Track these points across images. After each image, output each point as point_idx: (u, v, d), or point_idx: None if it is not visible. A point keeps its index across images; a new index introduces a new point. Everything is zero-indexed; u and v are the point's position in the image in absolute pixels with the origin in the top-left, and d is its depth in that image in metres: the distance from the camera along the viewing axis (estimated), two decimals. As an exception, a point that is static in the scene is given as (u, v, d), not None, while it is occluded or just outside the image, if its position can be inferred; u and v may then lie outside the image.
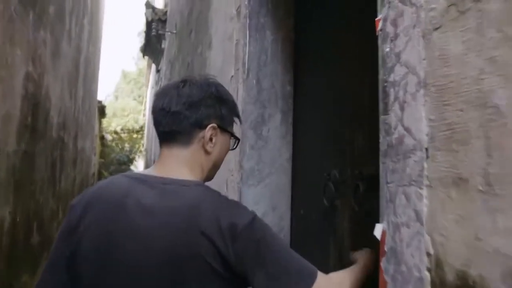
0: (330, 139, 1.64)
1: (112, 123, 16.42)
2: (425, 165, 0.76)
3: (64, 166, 4.91)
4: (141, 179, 0.86)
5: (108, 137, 14.57)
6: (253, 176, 2.00)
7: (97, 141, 12.01)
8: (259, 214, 2.03)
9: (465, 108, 0.67)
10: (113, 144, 14.48)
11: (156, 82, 9.54)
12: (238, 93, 2.11)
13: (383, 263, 0.87)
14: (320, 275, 0.84)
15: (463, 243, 0.66)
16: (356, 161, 1.42)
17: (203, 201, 0.82)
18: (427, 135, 0.76)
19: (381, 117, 0.89)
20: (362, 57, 1.41)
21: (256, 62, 2.02)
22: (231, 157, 2.21)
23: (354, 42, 1.49)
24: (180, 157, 0.89)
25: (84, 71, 6.53)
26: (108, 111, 13.74)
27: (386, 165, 0.87)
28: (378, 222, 1.31)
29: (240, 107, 2.06)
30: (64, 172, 4.96)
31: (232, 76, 2.29)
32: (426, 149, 0.76)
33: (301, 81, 2.01)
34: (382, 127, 0.89)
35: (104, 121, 13.76)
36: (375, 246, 1.28)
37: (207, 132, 0.90)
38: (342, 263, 1.48)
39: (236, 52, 2.20)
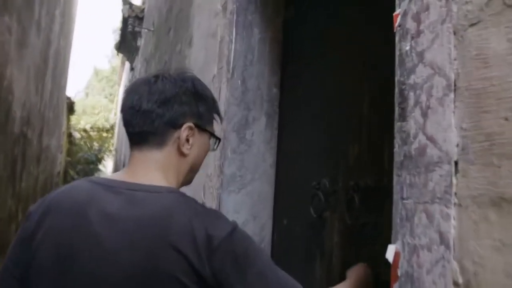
0: (319, 147, 1.54)
1: (81, 121, 15.82)
2: (454, 180, 0.66)
3: (26, 163, 4.60)
4: (106, 184, 0.78)
5: (77, 135, 14.00)
6: (234, 182, 1.87)
7: (65, 139, 11.51)
8: (239, 222, 1.90)
9: (510, 116, 0.57)
10: (82, 143, 13.92)
11: (129, 81, 9.25)
12: (221, 93, 1.98)
13: (394, 290, 0.76)
14: None
15: (505, 274, 0.56)
16: (351, 172, 1.32)
17: (175, 210, 0.74)
18: (457, 146, 0.67)
19: (397, 124, 0.79)
20: (361, 60, 1.32)
21: (242, 61, 1.90)
22: (210, 161, 2.08)
23: (351, 44, 1.39)
24: (153, 160, 0.80)
25: (53, 64, 6.20)
26: (77, 108, 13.24)
27: (402, 179, 0.77)
28: (373, 236, 1.22)
29: (222, 108, 1.93)
30: (26, 170, 4.65)
31: (214, 75, 2.16)
32: (456, 162, 0.67)
33: (288, 84, 1.91)
34: (398, 135, 0.79)
35: (73, 118, 13.22)
36: (366, 261, 1.20)
37: (183, 132, 0.81)
38: (329, 277, 1.38)
39: (220, 50, 2.07)
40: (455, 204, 0.66)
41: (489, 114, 0.61)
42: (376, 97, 1.23)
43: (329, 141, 1.46)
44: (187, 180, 0.87)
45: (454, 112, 0.67)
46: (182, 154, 0.82)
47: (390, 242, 1.15)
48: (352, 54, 1.37)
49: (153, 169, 0.80)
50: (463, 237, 0.64)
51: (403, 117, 0.78)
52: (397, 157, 0.78)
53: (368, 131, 1.26)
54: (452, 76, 0.68)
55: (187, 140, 0.82)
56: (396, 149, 0.79)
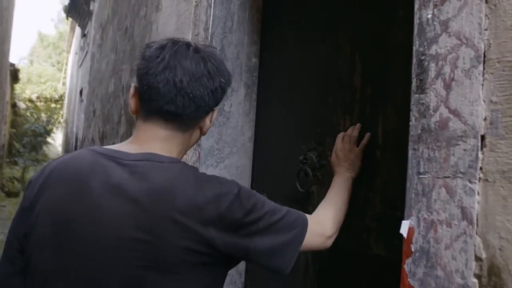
0: (303, 121, 1.50)
1: (27, 90, 14.77)
2: (480, 155, 0.65)
3: (-31, 135, 4.22)
4: (109, 155, 0.75)
5: (22, 105, 13.09)
6: (212, 156, 1.81)
7: (8, 109, 10.73)
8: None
9: (549, 90, 0.56)
10: (27, 113, 13.05)
11: (81, 48, 8.68)
12: (197, 62, 1.88)
13: (407, 265, 0.76)
14: (311, 219, 0.86)
15: (536, 249, 0.56)
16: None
17: (179, 181, 0.73)
18: (484, 119, 0.65)
19: (414, 96, 0.76)
20: (353, 30, 1.28)
21: (221, 27, 1.80)
22: (185, 134, 2.00)
23: (340, 11, 1.34)
24: (169, 137, 0.79)
25: (-5, 27, 5.66)
26: (22, 76, 12.32)
27: (418, 153, 0.75)
28: (363, 211, 1.22)
29: (200, 78, 1.84)
30: (-30, 142, 4.27)
31: (199, 42, 2.04)
32: (482, 136, 0.65)
33: (267, 54, 1.84)
34: (415, 108, 0.76)
35: (17, 87, 12.31)
36: (354, 235, 1.20)
37: (214, 115, 0.85)
38: (314, 252, 1.38)
39: (196, 15, 1.95)
40: (480, 179, 0.65)
41: (524, 87, 0.59)
42: (370, 66, 1.20)
43: (315, 115, 1.43)
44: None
45: (482, 84, 0.65)
46: (203, 133, 0.86)
47: (381, 217, 1.16)
48: (341, 17, 1.32)
49: (157, 140, 0.78)
50: (488, 212, 0.63)
51: (422, 89, 0.75)
52: (414, 131, 0.76)
53: (359, 103, 1.23)
54: (482, 47, 0.65)
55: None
56: (412, 122, 0.77)
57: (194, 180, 0.74)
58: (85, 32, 7.90)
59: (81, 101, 7.52)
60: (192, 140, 0.84)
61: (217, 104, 0.82)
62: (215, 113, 0.84)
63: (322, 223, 0.91)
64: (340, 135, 1.12)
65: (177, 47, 0.78)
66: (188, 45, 0.80)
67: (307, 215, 0.86)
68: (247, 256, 0.76)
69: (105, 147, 0.80)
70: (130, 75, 3.30)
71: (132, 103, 0.81)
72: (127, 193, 0.70)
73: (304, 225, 0.83)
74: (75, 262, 0.70)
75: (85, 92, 6.86)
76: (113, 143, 3.90)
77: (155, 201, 0.70)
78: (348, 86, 1.28)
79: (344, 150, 1.08)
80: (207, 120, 0.83)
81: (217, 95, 0.80)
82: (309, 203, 1.43)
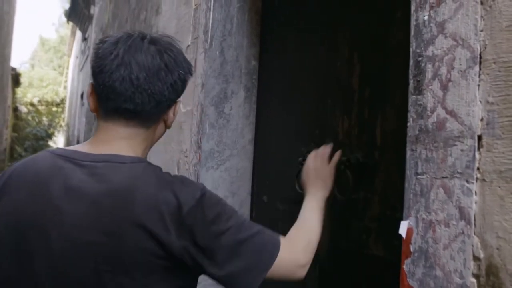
0: (303, 123, 1.51)
1: (28, 94, 14.81)
2: (477, 155, 0.65)
3: (-29, 139, 4.23)
4: (68, 156, 0.73)
5: (23, 109, 13.13)
6: (213, 158, 1.81)
7: (10, 113, 10.76)
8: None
9: (545, 90, 0.56)
10: (29, 117, 13.08)
11: (82, 52, 8.71)
12: (197, 64, 1.88)
13: (406, 266, 0.76)
14: (283, 245, 0.78)
15: (533, 248, 0.56)
16: (340, 148, 1.30)
17: (140, 182, 0.70)
18: (481, 120, 0.65)
19: (412, 97, 0.77)
20: (350, 31, 1.29)
21: (220, 30, 1.80)
22: (186, 137, 2.00)
23: (338, 13, 1.35)
24: (128, 134, 0.76)
25: (-4, 31, 5.68)
26: (23, 80, 12.36)
27: (416, 153, 0.75)
28: (362, 212, 1.22)
29: (200, 80, 1.84)
30: (-28, 146, 4.28)
31: (188, 46, 2.05)
32: (479, 137, 0.65)
33: (266, 56, 1.85)
34: (412, 109, 0.77)
35: (19, 91, 12.35)
36: (354, 236, 1.20)
37: (176, 107, 0.81)
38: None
39: (196, 18, 1.96)
40: (477, 179, 0.65)
41: (520, 87, 0.60)
42: (369, 68, 1.20)
43: (314, 117, 1.43)
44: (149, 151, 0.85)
45: (479, 85, 0.66)
46: (167, 127, 0.83)
47: (380, 218, 1.16)
48: (340, 20, 1.33)
49: (122, 140, 0.75)
50: (486, 212, 0.63)
51: (419, 90, 0.75)
52: (411, 131, 0.77)
53: (358, 105, 1.24)
54: (478, 48, 0.66)
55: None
56: (410, 123, 0.77)
57: (156, 181, 0.71)
58: (86, 36, 7.92)
59: (82, 104, 7.54)
60: (156, 135, 0.81)
61: (178, 96, 0.79)
62: (177, 106, 0.80)
63: (295, 251, 0.82)
64: (312, 154, 1.08)
65: (131, 41, 0.74)
66: (143, 37, 0.76)
67: (282, 240, 0.79)
68: (202, 270, 0.71)
69: (65, 148, 0.78)
70: (131, 78, 3.31)
71: (90, 102, 0.78)
72: (87, 195, 0.68)
73: (273, 251, 0.75)
74: (36, 266, 0.68)
75: (86, 96, 6.86)
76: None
77: (115, 203, 0.68)
78: (346, 87, 1.28)
79: (317, 168, 1.04)
80: (170, 113, 0.80)
81: (177, 88, 0.76)
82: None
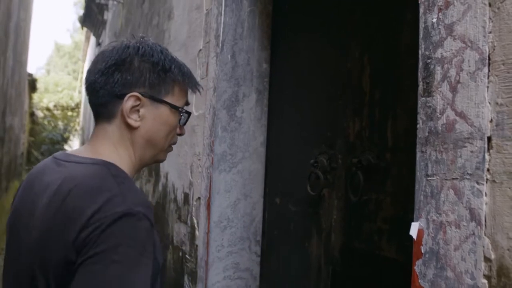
0: (313, 125, 1.52)
1: (44, 99, 15.10)
2: (487, 156, 0.65)
3: (-10, 144, 4.34)
4: (57, 157, 0.77)
5: (39, 113, 13.38)
6: (225, 161, 1.83)
7: (27, 118, 10.98)
8: (230, 202, 1.88)
9: (554, 91, 0.56)
10: (45, 122, 13.33)
11: (96, 56, 8.85)
12: (209, 68, 1.91)
13: (417, 267, 0.76)
14: None
15: (544, 249, 0.56)
16: (352, 149, 1.31)
17: (81, 182, 0.68)
18: (490, 121, 0.66)
19: (421, 99, 0.77)
20: (362, 33, 1.29)
21: (231, 34, 1.83)
22: (198, 140, 2.02)
23: (347, 15, 1.36)
24: (105, 133, 0.77)
25: (14, 39, 5.82)
26: (39, 85, 12.61)
27: (426, 155, 0.76)
28: (373, 213, 1.22)
29: (212, 83, 1.86)
30: (-10, 151, 4.39)
31: (200, 50, 2.08)
32: (489, 138, 0.66)
33: (277, 59, 1.86)
34: (422, 111, 0.77)
35: (35, 96, 12.60)
36: (365, 237, 1.20)
37: (126, 102, 0.74)
38: (327, 252, 1.38)
39: (207, 23, 1.99)
40: (487, 180, 0.65)
41: (529, 88, 0.60)
42: (379, 70, 1.21)
43: (325, 118, 1.44)
44: (150, 157, 0.80)
45: (488, 86, 0.66)
46: (130, 127, 0.75)
47: (390, 219, 1.17)
48: (351, 23, 1.34)
49: (103, 143, 0.76)
50: (496, 213, 0.64)
51: (428, 92, 0.76)
52: (421, 133, 0.77)
53: (368, 106, 1.24)
54: (487, 50, 0.66)
55: (137, 111, 0.75)
56: (419, 125, 0.78)
57: (96, 185, 0.67)
58: (100, 41, 8.05)
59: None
60: (127, 134, 0.76)
61: (120, 87, 0.74)
62: (129, 102, 0.74)
63: None
64: None
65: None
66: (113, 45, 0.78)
67: None
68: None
69: (67, 151, 0.82)
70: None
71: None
72: (48, 191, 0.70)
73: None
74: (12, 255, 0.74)
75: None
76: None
77: (54, 201, 0.67)
78: (357, 89, 1.29)
79: None
80: (125, 107, 0.74)
81: (111, 75, 0.73)
82: (320, 206, 1.44)
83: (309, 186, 1.47)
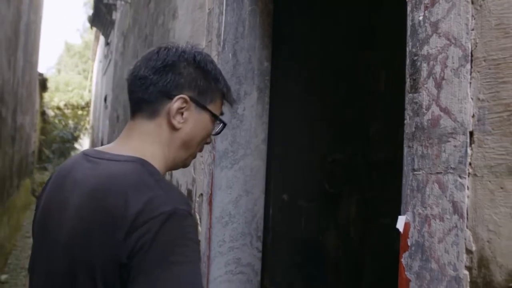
0: (321, 123, 1.53)
1: (55, 98, 15.30)
2: (469, 151, 0.67)
3: (1, 143, 4.43)
4: (88, 154, 0.78)
5: (50, 112, 13.57)
6: (227, 158, 1.86)
7: (38, 117, 11.14)
8: (232, 198, 1.91)
9: (531, 86, 0.58)
10: (56, 121, 13.51)
11: (105, 56, 8.95)
12: (211, 67, 1.94)
13: (404, 259, 0.78)
14: None
15: (521, 240, 0.58)
16: (370, 146, 1.32)
17: (119, 179, 0.69)
18: (473, 116, 0.67)
19: (408, 96, 0.79)
20: (365, 26, 1.31)
21: (232, 33, 1.85)
22: (201, 137, 2.05)
23: (350, 12, 1.37)
24: (141, 130, 0.78)
25: (24, 39, 5.91)
26: (50, 85, 12.77)
27: (413, 150, 0.77)
28: (387, 209, 1.24)
29: (213, 82, 1.89)
30: (2, 150, 4.49)
31: (203, 49, 2.10)
32: (471, 133, 0.67)
33: (279, 57, 1.88)
34: (409, 106, 0.79)
35: (46, 96, 12.77)
36: (379, 232, 1.22)
37: (175, 102, 0.76)
38: (346, 247, 1.40)
39: (209, 22, 2.01)
40: (469, 174, 0.67)
41: (509, 84, 0.61)
42: (389, 68, 1.22)
43: (327, 115, 1.46)
44: (180, 159, 0.81)
45: (470, 82, 0.67)
46: (173, 127, 0.77)
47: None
48: (354, 17, 1.35)
49: (139, 140, 0.77)
50: (477, 206, 0.65)
51: (415, 89, 0.77)
52: (408, 129, 0.79)
53: (381, 105, 1.26)
54: (469, 47, 0.68)
55: (181, 114, 0.76)
56: (407, 120, 0.79)
57: (134, 183, 0.67)
58: (108, 40, 8.14)
59: (106, 107, 7.75)
60: (167, 134, 0.77)
61: (172, 87, 0.76)
62: (177, 103, 0.75)
63: None
64: None
65: (151, 49, 0.81)
66: (163, 45, 0.80)
67: None
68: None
69: (97, 148, 0.82)
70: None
71: None
72: (82, 188, 0.71)
73: None
74: (42, 252, 0.74)
75: (109, 99, 7.06)
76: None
77: (92, 199, 0.68)
78: (365, 87, 1.30)
79: None
80: (173, 108, 0.76)
81: (166, 75, 0.75)
82: (337, 202, 1.46)
83: (327, 184, 1.49)
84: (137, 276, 0.60)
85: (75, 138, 13.21)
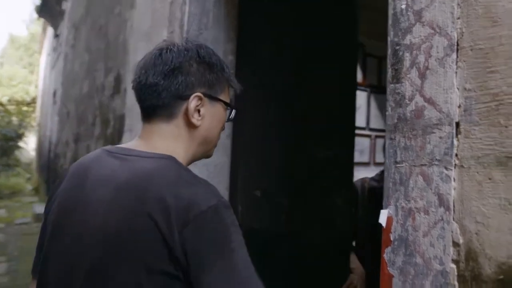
0: (281, 116, 1.50)
1: (-3, 93, 14.28)
2: (455, 141, 0.66)
3: None
4: (110, 151, 0.79)
5: (-8, 108, 12.65)
6: (190, 155, 1.78)
7: (-22, 113, 10.34)
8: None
9: (521, 75, 0.57)
10: (-2, 117, 12.61)
11: (54, 49, 8.46)
12: (174, 60, 1.85)
13: (387, 254, 0.76)
14: None
15: (510, 231, 0.57)
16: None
17: (157, 175, 0.71)
18: (459, 107, 0.66)
19: (390, 86, 0.77)
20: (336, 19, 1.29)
21: (196, 24, 1.77)
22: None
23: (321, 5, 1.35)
24: (161, 132, 0.79)
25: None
26: (-9, 78, 11.89)
27: (395, 142, 0.75)
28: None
29: (176, 75, 1.81)
30: None
31: (164, 40, 2.01)
32: (457, 124, 0.66)
33: (244, 50, 1.83)
34: (391, 97, 0.77)
35: (-13, 90, 11.88)
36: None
37: (191, 102, 0.77)
38: (332, 239, 1.38)
39: (171, 12, 1.92)
40: (455, 165, 0.66)
41: (497, 74, 0.60)
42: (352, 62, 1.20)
43: (290, 110, 1.43)
44: (203, 152, 0.83)
45: (456, 72, 0.66)
46: (192, 126, 0.78)
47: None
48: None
49: (160, 139, 0.78)
50: (464, 198, 0.64)
51: (397, 79, 0.76)
52: (390, 120, 0.77)
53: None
54: (455, 36, 0.66)
55: (198, 111, 0.78)
56: (388, 112, 0.77)
57: (173, 178, 0.70)
58: (58, 32, 7.70)
59: (55, 103, 7.32)
60: (187, 133, 0.78)
61: (184, 88, 0.77)
62: (194, 102, 0.77)
63: None
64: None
65: (149, 53, 0.79)
66: (161, 48, 0.79)
67: None
68: (186, 275, 0.66)
69: (117, 145, 0.82)
70: (105, 74, 3.23)
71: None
72: (111, 183, 0.71)
73: None
74: (60, 248, 0.73)
75: (58, 94, 6.68)
76: (88, 145, 3.80)
77: (128, 193, 0.69)
78: (329, 80, 1.28)
79: None
80: (190, 108, 0.77)
81: (175, 78, 0.76)
82: (322, 197, 1.42)
83: (313, 180, 1.46)
84: (200, 268, 0.64)
85: (20, 136, 12.39)
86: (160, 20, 2.08)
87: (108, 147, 0.80)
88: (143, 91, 0.78)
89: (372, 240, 1.22)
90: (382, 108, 4.46)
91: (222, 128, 0.84)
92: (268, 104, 1.59)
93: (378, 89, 4.54)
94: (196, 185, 0.69)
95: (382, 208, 0.80)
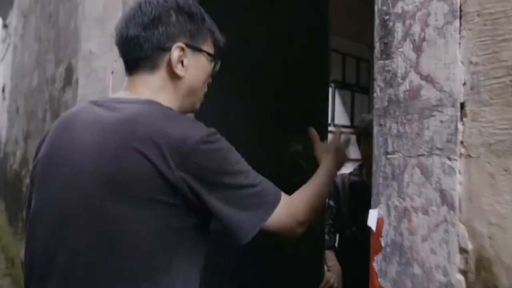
0: (244, 107, 1.37)
1: None
2: (460, 126, 0.55)
3: None
4: (95, 100, 0.82)
5: None
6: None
7: None
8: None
9: (544, 42, 0.46)
10: None
11: (3, 40, 7.89)
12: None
13: (377, 263, 0.64)
14: (284, 198, 0.77)
15: (534, 235, 0.47)
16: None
17: (144, 114, 0.72)
18: (464, 84, 0.55)
19: (378, 63, 0.65)
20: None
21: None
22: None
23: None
24: (146, 83, 0.80)
25: None
26: None
27: (385, 129, 0.64)
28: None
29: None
30: None
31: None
32: (462, 104, 0.55)
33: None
34: (379, 76, 0.65)
35: None
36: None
37: (173, 53, 0.78)
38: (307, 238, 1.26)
39: (125, -6, 1.74)
40: (461, 155, 0.54)
41: (511, 42, 0.49)
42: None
43: (253, 99, 1.30)
44: (189, 105, 0.83)
45: (459, 43, 0.55)
46: (176, 77, 0.79)
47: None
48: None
49: (144, 89, 0.79)
50: (473, 195, 0.53)
51: (387, 54, 0.64)
52: (379, 103, 0.65)
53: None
54: (457, 0, 0.55)
55: (182, 62, 0.79)
56: (377, 93, 0.65)
57: (161, 115, 0.72)
58: (6, 22, 7.18)
59: (4, 99, 6.82)
60: (172, 84, 0.79)
61: (166, 39, 0.77)
62: (176, 53, 0.77)
63: (295, 207, 0.80)
64: (338, 135, 1.09)
65: (130, 7, 0.80)
66: (140, 1, 0.80)
67: (283, 195, 0.78)
68: (200, 202, 0.70)
69: (103, 96, 0.82)
70: (55, 65, 2.97)
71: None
72: (98, 125, 0.73)
73: (273, 203, 0.75)
74: (52, 194, 0.74)
75: (7, 89, 6.22)
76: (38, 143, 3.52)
77: (118, 130, 0.71)
78: (283, 67, 1.16)
79: (338, 149, 1.03)
80: (173, 58, 0.77)
81: (156, 29, 0.77)
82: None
83: (290, 174, 1.35)
84: (210, 191, 0.69)
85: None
86: (113, 4, 1.89)
87: (95, 98, 0.82)
88: (125, 45, 0.78)
89: (359, 243, 1.13)
90: (346, 104, 4.43)
91: (207, 81, 0.83)
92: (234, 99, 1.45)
93: (342, 85, 4.49)
94: (183, 119, 0.73)
95: (367, 202, 0.69)
